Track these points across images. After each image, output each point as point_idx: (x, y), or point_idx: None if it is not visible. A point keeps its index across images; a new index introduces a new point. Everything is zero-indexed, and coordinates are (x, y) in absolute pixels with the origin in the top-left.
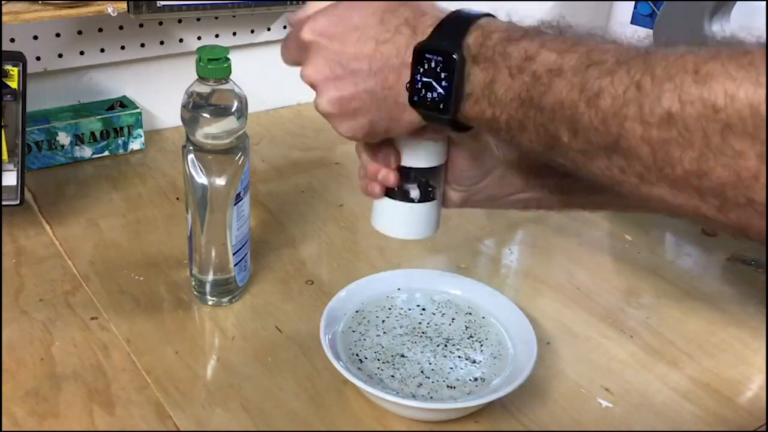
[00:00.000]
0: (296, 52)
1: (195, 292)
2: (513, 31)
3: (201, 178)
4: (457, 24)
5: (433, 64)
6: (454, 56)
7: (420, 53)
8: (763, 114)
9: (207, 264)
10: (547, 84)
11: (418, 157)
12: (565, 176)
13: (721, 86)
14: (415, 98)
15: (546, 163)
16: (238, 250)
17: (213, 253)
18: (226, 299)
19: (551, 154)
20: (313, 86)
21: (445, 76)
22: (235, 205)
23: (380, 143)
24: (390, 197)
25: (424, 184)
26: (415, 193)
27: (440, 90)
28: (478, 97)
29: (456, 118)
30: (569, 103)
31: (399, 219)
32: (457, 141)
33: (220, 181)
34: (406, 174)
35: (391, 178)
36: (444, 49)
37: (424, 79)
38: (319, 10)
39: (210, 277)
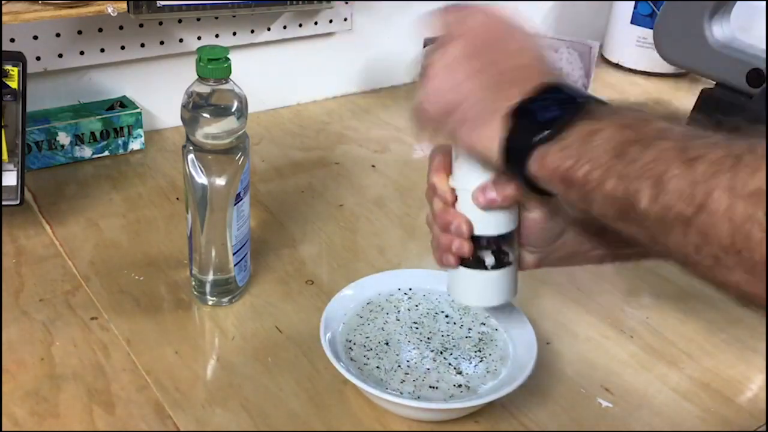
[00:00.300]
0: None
1: (195, 292)
2: (629, 104)
3: (201, 178)
4: (584, 92)
5: (557, 95)
6: (580, 99)
7: (550, 85)
8: None
9: (207, 264)
10: (649, 143)
11: (490, 224)
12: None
13: None
14: (517, 114)
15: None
16: (238, 250)
17: (213, 253)
18: (226, 299)
19: (622, 221)
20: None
21: (562, 107)
22: (235, 205)
23: (452, 215)
24: (465, 266)
25: (497, 251)
26: (489, 260)
27: (549, 115)
28: (571, 143)
29: (528, 161)
30: (663, 161)
31: (475, 287)
32: (527, 203)
33: (220, 181)
34: (478, 242)
35: (465, 248)
36: (572, 92)
37: (538, 103)
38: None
39: (210, 277)
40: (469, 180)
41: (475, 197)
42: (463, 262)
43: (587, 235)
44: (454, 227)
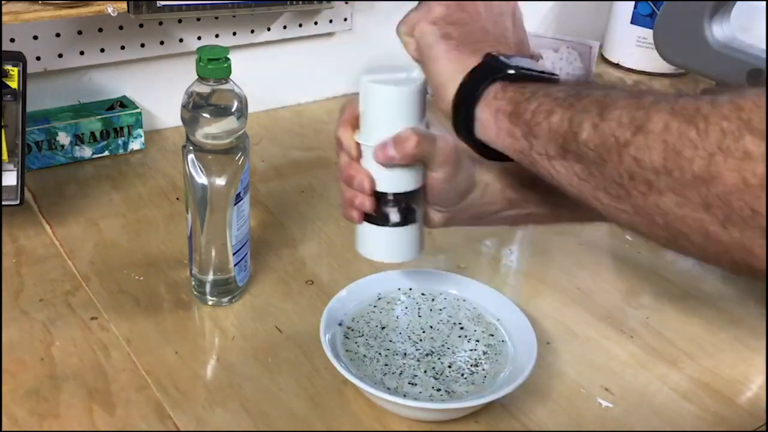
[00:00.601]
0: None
1: (195, 292)
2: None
3: (201, 178)
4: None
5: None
6: (555, 74)
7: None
8: None
9: (207, 264)
10: (606, 89)
11: (393, 181)
12: (551, 190)
13: (751, 97)
14: (493, 55)
15: (531, 180)
16: (238, 250)
17: (213, 253)
18: (226, 299)
19: (562, 158)
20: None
21: (532, 70)
22: (235, 205)
23: (354, 169)
24: (370, 222)
25: (403, 208)
26: (394, 216)
27: (521, 62)
28: (528, 87)
29: (481, 98)
30: (612, 97)
31: (380, 243)
32: (430, 163)
33: (220, 181)
34: (383, 199)
35: (366, 203)
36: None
37: (517, 57)
38: None
39: (210, 277)
40: (372, 136)
41: (375, 154)
42: (369, 218)
43: (502, 192)
44: (357, 182)
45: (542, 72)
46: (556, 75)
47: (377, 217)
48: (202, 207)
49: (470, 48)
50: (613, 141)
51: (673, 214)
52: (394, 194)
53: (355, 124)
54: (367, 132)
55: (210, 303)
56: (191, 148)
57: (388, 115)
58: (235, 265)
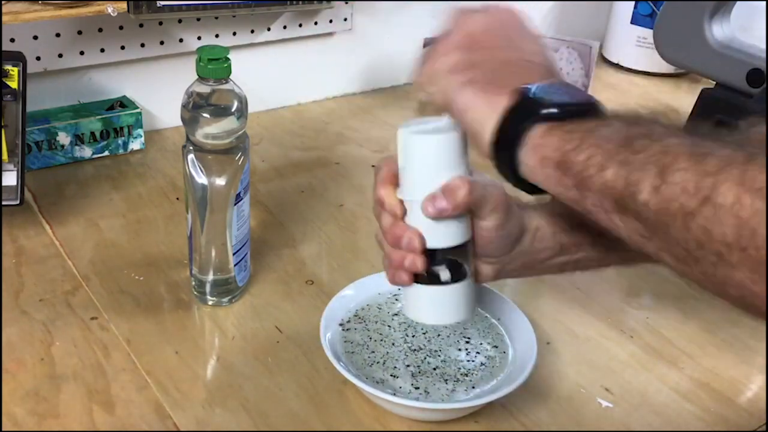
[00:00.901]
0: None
1: (195, 292)
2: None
3: (201, 178)
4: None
5: (570, 87)
6: (592, 101)
7: (558, 81)
8: None
9: (207, 264)
10: (658, 138)
11: (443, 235)
12: (601, 234)
13: None
14: (525, 89)
15: (582, 222)
16: (238, 250)
17: (213, 253)
18: (226, 299)
19: (619, 213)
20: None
21: (574, 94)
22: (235, 205)
23: (402, 228)
24: (419, 283)
25: (452, 264)
26: (445, 274)
27: (560, 97)
28: (575, 128)
29: (523, 138)
30: (671, 154)
31: (432, 304)
32: (479, 213)
33: (220, 181)
34: (432, 256)
35: (418, 263)
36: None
37: (553, 86)
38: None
39: (210, 277)
40: (417, 190)
41: (424, 208)
42: (417, 278)
43: (552, 240)
44: (406, 242)
45: (580, 103)
46: (594, 100)
47: (426, 277)
48: (202, 207)
49: (498, 86)
50: (677, 207)
51: (748, 290)
52: (444, 250)
53: (394, 182)
54: (411, 187)
55: (210, 303)
56: (191, 148)
57: (432, 165)
58: (235, 265)
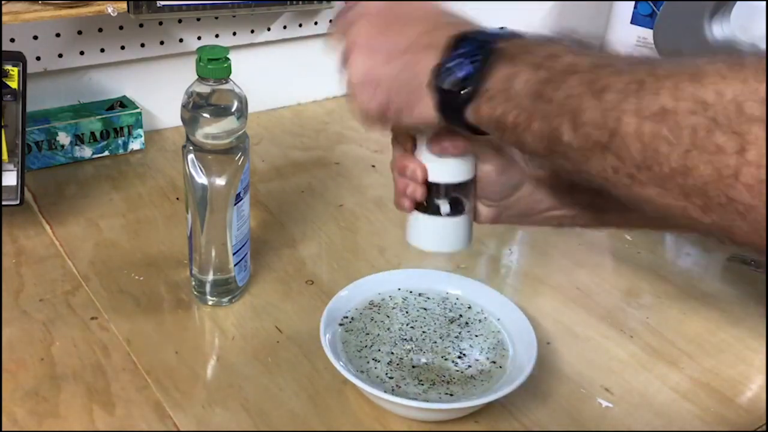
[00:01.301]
0: (343, 26)
1: (195, 292)
2: (539, 36)
3: (201, 178)
4: (493, 32)
5: (466, 49)
6: (490, 44)
7: (457, 39)
8: (747, 111)
9: (207, 264)
10: (561, 80)
11: (444, 172)
12: (598, 194)
13: (712, 84)
14: (436, 81)
15: (551, 167)
16: (238, 250)
17: (213, 253)
18: (226, 299)
19: (552, 157)
20: (348, 54)
21: (474, 61)
22: (235, 205)
23: (408, 160)
24: (421, 211)
25: (453, 199)
26: (444, 207)
27: (464, 72)
28: (495, 93)
29: (465, 115)
30: (576, 96)
31: (430, 233)
32: (483, 156)
33: (220, 181)
34: (435, 189)
35: (418, 192)
36: (481, 38)
37: (451, 63)
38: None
39: (210, 277)
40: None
41: (429, 144)
42: (420, 207)
43: (551, 192)
44: (410, 172)
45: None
46: (484, 40)
47: (428, 207)
48: (202, 207)
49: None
50: (593, 142)
51: (659, 203)
52: (446, 185)
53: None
54: None
55: (210, 303)
56: (191, 148)
57: None
58: (235, 265)
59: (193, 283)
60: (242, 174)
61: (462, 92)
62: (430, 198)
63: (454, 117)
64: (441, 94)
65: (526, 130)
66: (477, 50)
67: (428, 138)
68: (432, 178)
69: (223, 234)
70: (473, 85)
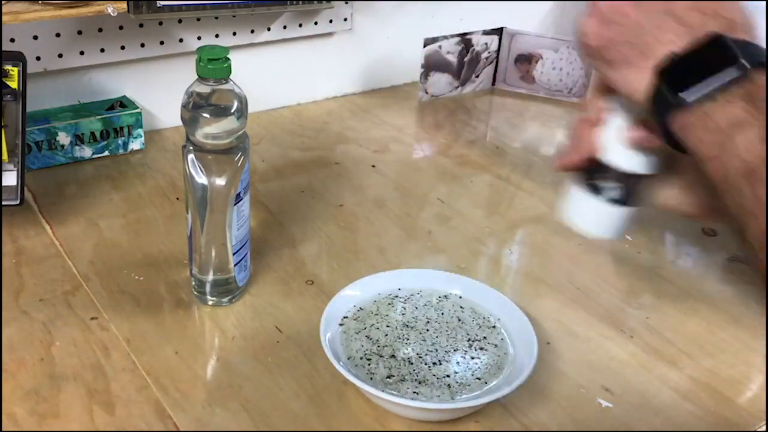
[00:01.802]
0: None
1: (195, 292)
2: None
3: (201, 178)
4: (756, 55)
5: (715, 55)
6: (743, 69)
7: (714, 39)
8: None
9: (207, 264)
10: None
11: (620, 156)
12: None
13: None
14: (663, 65)
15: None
16: (238, 250)
17: (213, 253)
18: (226, 299)
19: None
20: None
21: (713, 71)
22: (235, 205)
23: (590, 132)
24: (590, 186)
25: (618, 186)
26: (607, 191)
27: (699, 66)
28: (732, 99)
29: (669, 118)
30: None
31: (591, 215)
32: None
33: (220, 181)
34: (605, 171)
35: (582, 166)
36: (740, 53)
37: (692, 57)
38: None
39: (210, 277)
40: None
41: (620, 128)
42: (586, 184)
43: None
44: (584, 142)
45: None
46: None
47: (592, 187)
48: (202, 207)
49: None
50: None
51: None
52: (615, 169)
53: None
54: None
55: (210, 303)
56: (191, 148)
57: None
58: (235, 265)
59: (193, 283)
60: (242, 174)
61: (676, 99)
62: (597, 178)
63: (660, 111)
64: (659, 86)
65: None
66: (724, 64)
67: (628, 122)
68: (603, 158)
69: (223, 234)
70: (696, 97)
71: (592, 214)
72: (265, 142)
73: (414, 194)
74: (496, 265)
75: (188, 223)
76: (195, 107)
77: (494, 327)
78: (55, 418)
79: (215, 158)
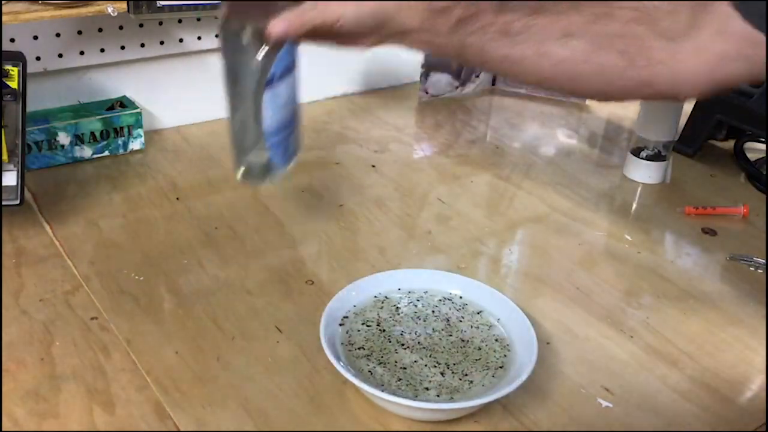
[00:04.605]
0: None
1: (240, 172)
2: None
3: (242, 56)
4: None
5: None
6: None
7: None
8: None
9: (243, 144)
10: None
11: None
12: None
13: None
14: None
15: None
16: (275, 130)
17: (247, 133)
18: (263, 179)
19: None
20: None
21: None
22: (269, 85)
23: None
24: None
25: None
26: None
27: None
28: None
29: None
30: None
31: None
32: None
33: (254, 61)
34: None
35: None
36: None
37: None
38: None
39: (249, 158)
40: None
41: None
42: None
43: None
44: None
45: None
46: None
47: None
48: (234, 86)
49: None
50: None
51: None
52: None
53: None
54: None
55: (249, 181)
56: (232, 26)
57: None
58: (271, 147)
59: (236, 162)
60: (278, 54)
61: None
62: None
63: None
64: None
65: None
66: None
67: None
68: None
69: (256, 115)
70: None
71: None
72: None
73: (414, 194)
74: (496, 265)
75: (227, 102)
76: None
77: (494, 327)
78: (55, 418)
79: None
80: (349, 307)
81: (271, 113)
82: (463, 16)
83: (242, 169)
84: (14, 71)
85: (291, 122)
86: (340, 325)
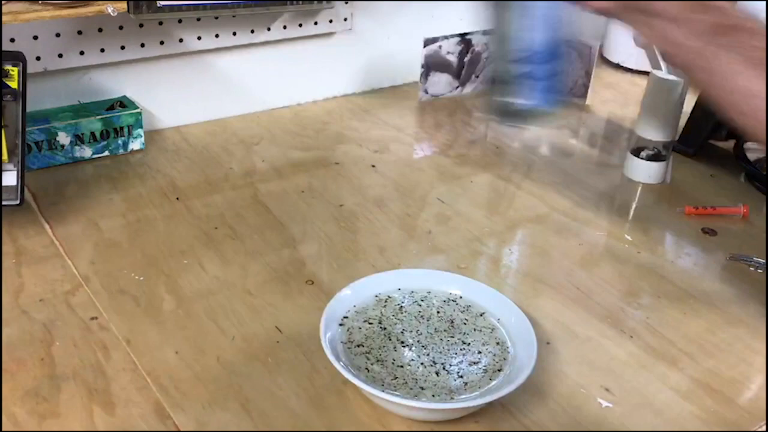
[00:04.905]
0: None
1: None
2: None
3: None
4: None
5: None
6: None
7: None
8: None
9: (497, 82)
10: None
11: None
12: None
13: None
14: None
15: None
16: (522, 62)
17: (499, 67)
18: (515, 122)
19: None
20: None
21: None
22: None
23: None
24: None
25: None
26: None
27: None
28: None
29: None
30: None
31: None
32: None
33: None
34: None
35: None
36: None
37: None
38: None
39: (501, 98)
40: None
41: None
42: None
43: None
44: None
45: None
46: None
47: None
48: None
49: None
50: None
51: None
52: None
53: None
54: None
55: (500, 124)
56: None
57: None
58: (521, 85)
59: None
60: None
61: None
62: None
63: None
64: None
65: None
66: None
67: None
68: None
69: (506, 42)
70: None
71: None
72: (265, 142)
73: (414, 194)
74: (496, 265)
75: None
76: None
77: (494, 327)
78: (55, 418)
79: None
80: (349, 307)
81: (540, 33)
82: (719, 23)
83: (499, 100)
84: (14, 71)
85: (555, 56)
86: (340, 325)
